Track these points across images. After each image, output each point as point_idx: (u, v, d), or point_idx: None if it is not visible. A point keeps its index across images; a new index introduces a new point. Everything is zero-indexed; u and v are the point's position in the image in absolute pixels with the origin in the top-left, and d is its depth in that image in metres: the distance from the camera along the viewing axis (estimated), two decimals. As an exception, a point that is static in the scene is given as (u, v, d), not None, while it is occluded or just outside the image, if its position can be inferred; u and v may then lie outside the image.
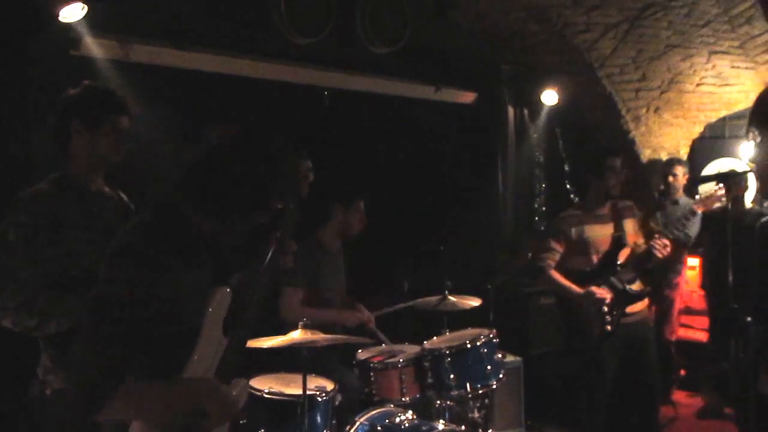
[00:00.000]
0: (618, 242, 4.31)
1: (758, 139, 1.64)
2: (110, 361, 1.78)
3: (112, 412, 1.79)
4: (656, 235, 4.22)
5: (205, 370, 2.02)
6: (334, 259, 4.46)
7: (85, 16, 3.75)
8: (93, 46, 3.96)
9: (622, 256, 4.28)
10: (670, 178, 5.97)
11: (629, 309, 4.26)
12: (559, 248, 4.37)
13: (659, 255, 4.16)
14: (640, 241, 4.38)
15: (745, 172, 5.65)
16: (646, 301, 4.42)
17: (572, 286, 4.29)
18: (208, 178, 1.98)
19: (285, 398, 3.33)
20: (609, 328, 4.21)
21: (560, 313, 4.61)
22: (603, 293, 4.19)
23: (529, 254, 4.98)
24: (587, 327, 4.27)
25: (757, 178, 3.14)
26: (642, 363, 4.32)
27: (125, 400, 1.80)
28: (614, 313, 4.22)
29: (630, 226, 4.39)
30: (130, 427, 1.92)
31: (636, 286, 4.31)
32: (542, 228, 6.67)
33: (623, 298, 4.24)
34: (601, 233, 4.32)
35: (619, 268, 4.26)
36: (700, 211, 4.43)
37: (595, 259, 4.30)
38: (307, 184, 2.50)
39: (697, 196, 4.32)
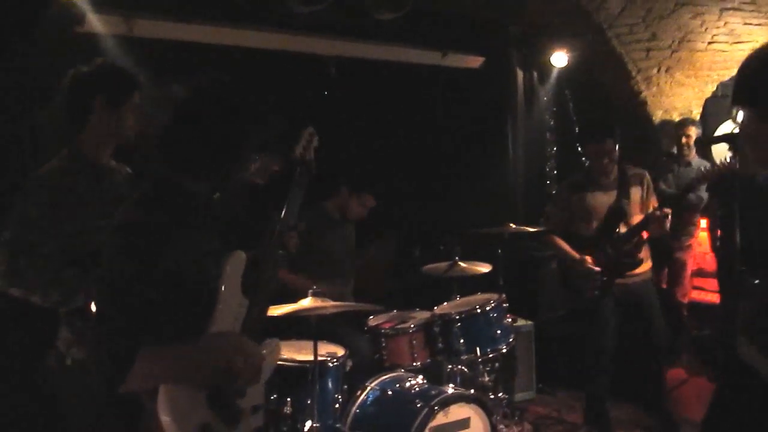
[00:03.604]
0: (617, 211, 4.32)
1: (743, 117, 1.57)
2: (127, 333, 1.80)
3: (135, 381, 1.80)
4: (653, 207, 4.23)
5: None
6: (340, 227, 4.53)
7: (88, -6, 3.77)
8: (97, 23, 3.97)
9: (625, 223, 4.28)
10: (683, 140, 5.89)
11: (628, 273, 4.30)
12: (560, 213, 4.44)
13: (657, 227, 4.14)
14: (650, 208, 4.35)
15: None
16: (648, 264, 4.42)
17: (570, 251, 4.35)
18: (177, 136, 2.02)
19: (296, 364, 3.39)
20: (597, 292, 4.27)
21: (558, 276, 4.65)
22: (592, 265, 4.24)
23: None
24: (580, 290, 4.33)
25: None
26: (644, 324, 4.34)
27: (148, 365, 1.80)
28: (604, 278, 4.26)
29: (636, 194, 4.36)
30: (159, 392, 1.94)
31: (631, 255, 4.30)
32: (554, 192, 6.65)
33: (615, 266, 4.27)
34: (603, 201, 4.34)
35: (616, 237, 4.26)
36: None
37: (595, 225, 4.34)
38: (312, 148, 2.54)
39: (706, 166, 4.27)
